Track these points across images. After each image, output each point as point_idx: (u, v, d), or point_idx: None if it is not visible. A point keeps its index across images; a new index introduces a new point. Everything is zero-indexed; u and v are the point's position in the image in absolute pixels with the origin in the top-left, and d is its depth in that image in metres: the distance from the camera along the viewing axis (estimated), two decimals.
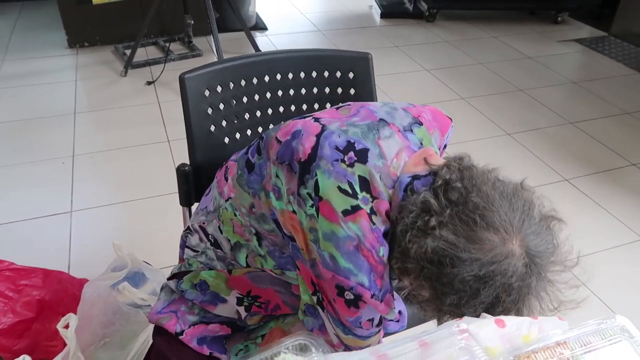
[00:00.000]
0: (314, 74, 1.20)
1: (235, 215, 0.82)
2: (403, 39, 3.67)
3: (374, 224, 0.69)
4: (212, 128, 1.13)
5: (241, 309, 0.88)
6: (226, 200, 0.84)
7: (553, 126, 2.69)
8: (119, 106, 2.72)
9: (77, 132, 2.48)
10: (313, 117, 0.79)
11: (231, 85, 1.14)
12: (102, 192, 2.09)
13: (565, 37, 3.82)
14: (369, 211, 0.69)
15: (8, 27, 3.59)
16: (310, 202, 0.71)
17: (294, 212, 0.73)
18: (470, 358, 0.50)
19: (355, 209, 0.69)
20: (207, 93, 1.11)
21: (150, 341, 1.21)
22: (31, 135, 2.44)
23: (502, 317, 0.63)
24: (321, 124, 0.76)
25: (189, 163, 1.12)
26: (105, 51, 3.30)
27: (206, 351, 0.88)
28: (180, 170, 1.11)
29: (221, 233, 0.85)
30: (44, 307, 1.37)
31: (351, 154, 0.71)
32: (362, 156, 0.71)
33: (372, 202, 0.70)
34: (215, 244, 0.87)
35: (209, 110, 1.11)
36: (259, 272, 0.84)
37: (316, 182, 0.70)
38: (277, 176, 0.75)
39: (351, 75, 1.21)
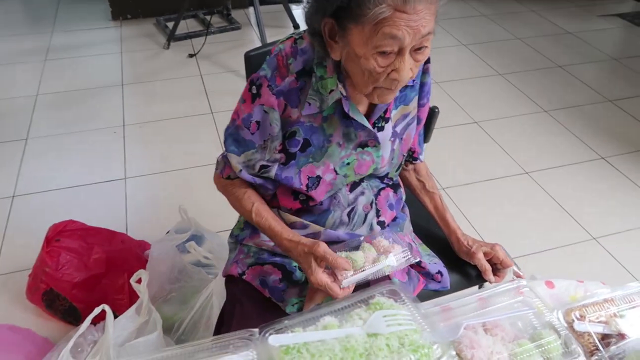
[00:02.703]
0: None
1: None
2: (439, 12, 3.64)
3: (296, 44, 0.91)
4: None
5: None
6: None
7: (591, 104, 2.69)
8: (164, 78, 2.82)
9: (126, 103, 2.60)
10: None
11: None
12: (152, 161, 2.22)
13: (607, 12, 3.73)
14: (296, 37, 0.92)
15: (54, 0, 3.71)
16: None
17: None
18: (528, 308, 0.58)
19: (287, 37, 0.94)
20: None
21: (212, 296, 1.34)
22: (84, 104, 2.58)
23: (551, 279, 0.72)
24: None
25: None
26: (147, 24, 3.39)
27: (267, 294, 0.99)
28: None
29: None
30: (111, 265, 1.50)
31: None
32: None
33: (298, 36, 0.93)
34: None
35: None
36: None
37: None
38: None
39: None
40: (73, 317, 1.50)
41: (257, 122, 0.93)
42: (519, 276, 1.07)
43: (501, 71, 2.95)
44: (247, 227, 1.09)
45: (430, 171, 1.21)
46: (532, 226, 1.93)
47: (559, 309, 0.61)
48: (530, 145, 2.37)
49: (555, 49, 3.21)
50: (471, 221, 1.91)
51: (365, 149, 0.97)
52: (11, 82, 2.75)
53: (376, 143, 0.97)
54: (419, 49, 0.82)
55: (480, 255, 1.12)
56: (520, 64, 3.03)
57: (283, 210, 1.03)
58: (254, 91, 0.92)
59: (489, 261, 1.11)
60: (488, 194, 2.08)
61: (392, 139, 1.00)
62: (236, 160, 0.97)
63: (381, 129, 0.97)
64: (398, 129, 1.02)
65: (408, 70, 0.82)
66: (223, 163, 1.02)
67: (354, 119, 0.93)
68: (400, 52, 0.80)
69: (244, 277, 1.01)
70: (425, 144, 1.19)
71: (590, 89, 2.81)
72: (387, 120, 0.98)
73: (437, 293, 1.12)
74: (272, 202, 1.04)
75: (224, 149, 1.00)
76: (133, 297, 1.48)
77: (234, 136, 0.97)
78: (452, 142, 2.35)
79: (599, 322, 0.60)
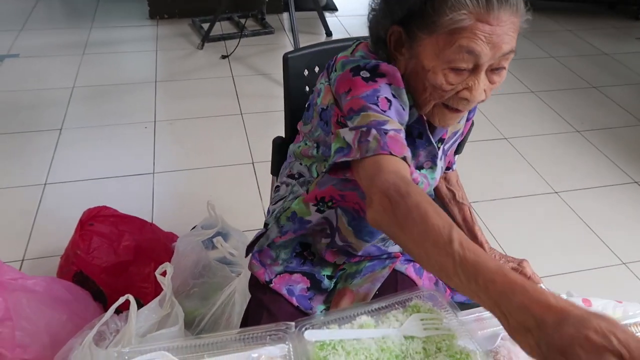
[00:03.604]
0: None
1: (306, 144, 0.97)
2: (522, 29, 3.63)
3: None
4: (308, 103, 1.21)
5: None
6: (300, 141, 1.00)
7: (626, 126, 2.63)
8: (196, 77, 2.87)
9: (158, 100, 2.64)
10: None
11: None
12: (180, 157, 2.25)
13: None
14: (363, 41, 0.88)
15: None
16: (333, 62, 0.85)
17: (322, 84, 0.87)
18: None
19: (355, 44, 0.88)
20: (305, 73, 1.19)
21: (235, 294, 1.34)
22: (118, 99, 2.63)
23: (588, 298, 0.70)
24: None
25: (283, 136, 1.22)
26: (183, 24, 3.46)
27: (295, 302, 0.98)
28: (276, 142, 1.21)
29: (301, 165, 1.00)
30: (139, 253, 1.52)
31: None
32: None
33: None
34: (299, 176, 1.02)
35: (306, 89, 1.20)
36: (322, 178, 0.94)
37: (336, 56, 0.86)
38: (320, 84, 0.89)
39: None
40: (100, 301, 1.52)
41: (388, 100, 0.74)
42: None
43: (534, 89, 2.91)
44: (294, 220, 0.98)
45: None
46: (559, 246, 1.89)
47: None
48: (560, 164, 2.33)
49: (590, 69, 3.16)
50: (497, 237, 1.88)
51: (421, 171, 0.92)
52: (49, 74, 2.83)
53: (432, 165, 0.92)
54: (497, 69, 0.74)
55: None
56: (554, 83, 2.99)
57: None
58: (365, 75, 0.75)
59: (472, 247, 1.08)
60: (515, 211, 2.05)
61: (442, 157, 0.97)
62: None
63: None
64: (446, 146, 0.99)
65: (482, 90, 0.73)
66: (377, 139, 0.69)
67: (418, 139, 0.86)
68: (475, 70, 0.72)
69: (271, 285, 1.00)
70: (457, 155, 1.18)
71: (625, 112, 2.75)
72: (442, 141, 0.93)
73: (463, 306, 1.10)
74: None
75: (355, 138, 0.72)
76: (158, 287, 1.48)
77: (368, 110, 0.73)
78: (481, 157, 2.32)
79: None
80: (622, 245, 1.90)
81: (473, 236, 1.13)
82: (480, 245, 1.11)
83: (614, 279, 1.77)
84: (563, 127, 2.60)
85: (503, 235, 1.89)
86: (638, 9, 3.85)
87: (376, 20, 0.80)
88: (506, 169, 2.28)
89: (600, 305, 0.68)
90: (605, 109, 2.77)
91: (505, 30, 0.69)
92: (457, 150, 1.19)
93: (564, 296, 0.65)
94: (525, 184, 2.19)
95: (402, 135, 0.72)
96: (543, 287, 1.03)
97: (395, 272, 1.01)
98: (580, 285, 1.73)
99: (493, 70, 0.74)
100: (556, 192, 2.15)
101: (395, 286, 0.98)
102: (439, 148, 0.91)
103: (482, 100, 0.76)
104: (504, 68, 0.74)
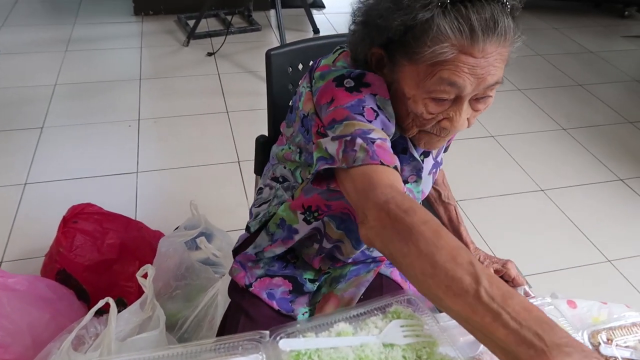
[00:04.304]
0: None
1: (290, 148, 0.95)
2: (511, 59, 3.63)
3: None
4: (291, 103, 1.19)
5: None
6: (284, 145, 0.98)
7: (611, 124, 2.64)
8: (181, 75, 2.83)
9: (142, 97, 2.60)
10: None
11: (311, 63, 1.20)
12: (164, 156, 2.21)
13: (631, 33, 3.68)
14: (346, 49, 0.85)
15: None
16: (316, 65, 0.84)
17: (304, 88, 0.84)
18: None
19: (338, 52, 0.86)
20: (289, 70, 1.17)
21: (218, 296, 1.32)
22: (101, 97, 2.58)
23: (573, 299, 0.69)
24: None
25: (266, 134, 1.20)
26: (168, 20, 3.41)
27: (275, 306, 0.96)
28: (259, 141, 1.19)
29: (285, 168, 0.98)
30: (123, 251, 1.49)
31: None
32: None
33: None
34: (283, 180, 1.00)
35: (290, 87, 1.18)
36: (307, 184, 0.92)
37: (320, 60, 0.85)
38: (302, 87, 0.86)
39: None
40: (83, 300, 1.49)
41: (374, 110, 0.72)
42: (527, 295, 1.03)
43: (520, 86, 2.92)
44: (283, 227, 0.95)
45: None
46: (545, 244, 1.89)
47: (584, 330, 0.58)
48: (546, 162, 2.33)
49: (576, 67, 3.17)
50: (483, 236, 1.88)
51: (406, 185, 0.89)
52: (31, 71, 2.77)
53: (417, 178, 0.90)
54: (482, 97, 0.71)
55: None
56: (540, 81, 2.99)
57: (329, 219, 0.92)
58: (349, 84, 0.74)
59: (500, 278, 1.07)
60: (502, 210, 2.04)
61: (433, 170, 0.95)
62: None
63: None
64: (439, 158, 0.96)
65: (464, 120, 0.70)
66: (364, 148, 0.66)
67: (402, 154, 0.84)
68: (457, 100, 0.69)
69: (250, 289, 0.97)
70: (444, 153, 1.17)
71: (610, 109, 2.76)
72: (427, 154, 0.90)
73: None
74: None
75: (339, 148, 0.68)
76: (142, 287, 1.47)
77: (354, 119, 0.71)
78: (468, 155, 2.32)
79: (626, 346, 0.57)
80: (607, 243, 1.91)
81: (458, 236, 1.12)
82: (466, 245, 1.10)
83: (599, 277, 1.78)
84: (549, 124, 2.61)
85: (489, 233, 1.89)
86: (623, 7, 3.88)
87: (355, 41, 0.77)
88: (493, 167, 2.28)
89: (586, 306, 0.67)
90: (590, 106, 2.78)
91: (490, 61, 0.66)
92: (444, 149, 1.18)
93: (549, 299, 0.64)
94: (511, 182, 2.19)
95: (389, 144, 0.70)
96: (527, 288, 1.03)
97: (380, 276, 0.99)
98: (565, 283, 1.74)
99: (478, 99, 0.71)
100: (542, 190, 2.16)
101: (381, 290, 0.97)
102: (423, 162, 0.89)
103: (466, 128, 0.74)
104: (490, 96, 0.72)
